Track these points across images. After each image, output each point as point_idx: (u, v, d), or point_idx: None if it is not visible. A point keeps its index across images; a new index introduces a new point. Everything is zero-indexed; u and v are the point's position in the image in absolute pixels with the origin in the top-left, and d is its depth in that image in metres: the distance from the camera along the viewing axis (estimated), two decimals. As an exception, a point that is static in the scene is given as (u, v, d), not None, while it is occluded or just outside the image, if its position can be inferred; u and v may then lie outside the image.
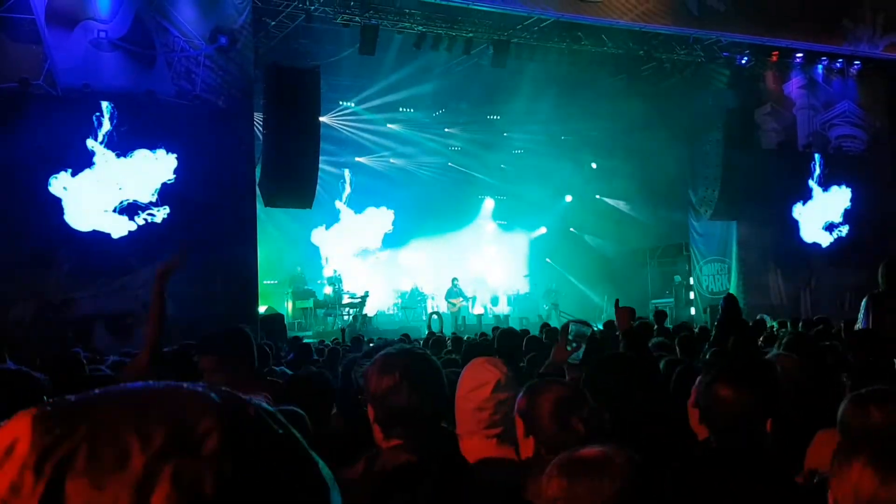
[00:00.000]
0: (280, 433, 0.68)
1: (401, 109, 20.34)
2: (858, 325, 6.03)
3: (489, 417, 2.51)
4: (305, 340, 14.67)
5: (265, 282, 17.77)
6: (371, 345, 8.99)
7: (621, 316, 4.91)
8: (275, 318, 14.80)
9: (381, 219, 22.08)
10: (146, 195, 13.11)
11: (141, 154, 13.08)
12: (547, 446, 2.25)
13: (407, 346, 2.58)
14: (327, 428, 3.55)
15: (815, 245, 19.14)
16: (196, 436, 0.64)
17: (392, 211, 22.09)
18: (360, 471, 2.15)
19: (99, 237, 12.82)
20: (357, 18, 14.98)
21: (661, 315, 10.67)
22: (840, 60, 19.35)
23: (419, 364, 2.23)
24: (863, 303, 5.97)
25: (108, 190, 12.83)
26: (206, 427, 0.64)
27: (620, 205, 22.61)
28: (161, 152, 13.15)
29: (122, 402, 0.66)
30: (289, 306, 18.95)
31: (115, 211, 12.92)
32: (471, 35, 16.05)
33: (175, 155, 13.18)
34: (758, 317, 11.95)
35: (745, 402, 2.33)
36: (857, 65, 19.50)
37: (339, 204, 21.72)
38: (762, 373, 2.48)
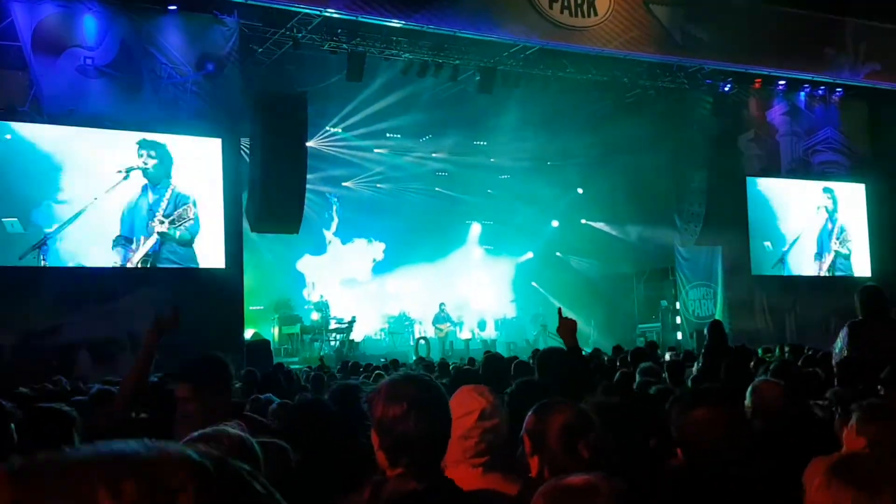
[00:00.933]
0: (260, 492, 0.69)
1: (388, 135, 20.43)
2: (836, 353, 6.01)
3: (475, 446, 2.51)
4: (293, 367, 14.65)
5: (251, 307, 17.71)
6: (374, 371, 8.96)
7: (565, 328, 4.52)
8: (261, 345, 14.74)
9: (370, 251, 22.22)
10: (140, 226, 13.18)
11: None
12: (552, 467, 2.26)
13: (413, 373, 2.58)
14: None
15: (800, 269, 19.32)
16: (169, 491, 0.64)
17: (383, 244, 22.23)
18: (365, 498, 2.15)
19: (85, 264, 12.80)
20: (344, 45, 15.09)
21: (652, 346, 10.72)
22: (822, 87, 19.62)
23: (427, 392, 2.22)
24: (842, 332, 5.98)
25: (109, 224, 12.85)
26: (179, 482, 0.64)
27: (606, 229, 22.70)
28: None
29: (93, 459, 0.67)
30: (275, 332, 18.87)
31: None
32: (457, 62, 16.18)
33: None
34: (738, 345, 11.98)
35: (720, 424, 2.35)
36: (839, 92, 19.77)
37: (327, 234, 21.77)
38: (736, 397, 2.51)
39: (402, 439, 2.14)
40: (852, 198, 20.12)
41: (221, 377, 3.44)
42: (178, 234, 13.35)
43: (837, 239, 19.68)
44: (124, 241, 12.98)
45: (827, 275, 19.44)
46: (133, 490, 0.63)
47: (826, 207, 19.66)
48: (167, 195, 13.37)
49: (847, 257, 19.73)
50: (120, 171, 13.02)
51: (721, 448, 2.33)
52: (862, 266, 19.91)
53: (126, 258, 12.98)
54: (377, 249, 22.55)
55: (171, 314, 3.85)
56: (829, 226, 19.65)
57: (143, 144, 13.24)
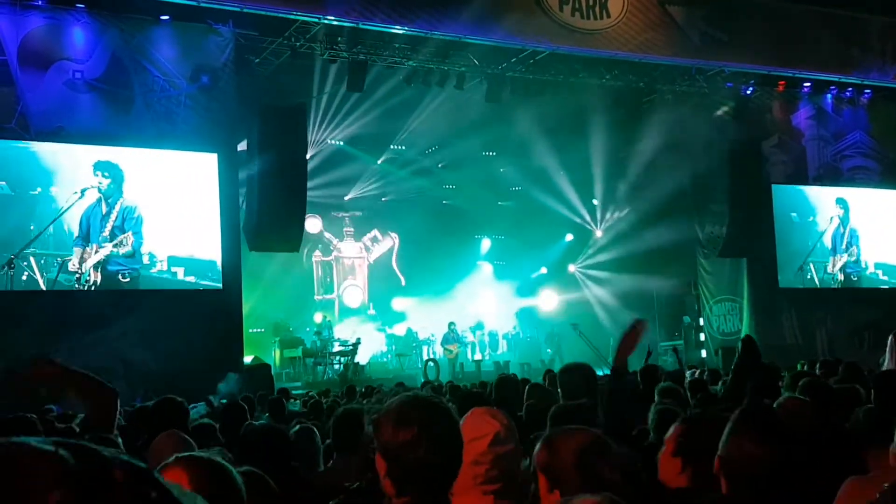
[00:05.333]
0: (151, 496, 0.65)
1: (392, 147, 20.49)
2: (886, 365, 6.00)
3: (486, 473, 2.47)
4: (295, 391, 14.61)
5: (251, 330, 17.71)
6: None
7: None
8: (261, 369, 14.71)
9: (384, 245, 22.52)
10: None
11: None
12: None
13: (423, 395, 2.55)
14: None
15: (831, 282, 19.22)
16: (34, 491, 0.59)
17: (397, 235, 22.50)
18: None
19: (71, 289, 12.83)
20: (344, 54, 15.16)
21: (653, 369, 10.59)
22: (850, 89, 19.57)
23: (439, 417, 2.18)
24: (889, 341, 5.96)
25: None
26: (56, 501, 0.60)
27: (625, 242, 22.62)
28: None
29: None
30: (276, 355, 18.85)
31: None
32: (463, 69, 16.22)
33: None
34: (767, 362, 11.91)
35: (769, 457, 2.33)
36: (867, 93, 19.73)
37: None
38: (782, 425, 2.47)
39: (411, 466, 2.10)
40: (883, 204, 20.01)
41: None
42: (121, 251, 13.41)
43: (848, 243, 19.54)
44: (82, 241, 13.06)
45: (840, 278, 19.29)
46: None
47: (839, 215, 19.55)
48: (116, 208, 13.41)
49: (857, 261, 19.56)
50: (76, 193, 13.09)
51: (771, 482, 2.31)
52: (893, 272, 19.80)
53: (83, 260, 13.01)
54: (372, 237, 22.65)
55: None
56: (842, 229, 19.51)
57: (97, 166, 13.33)
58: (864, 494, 2.82)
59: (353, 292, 22.46)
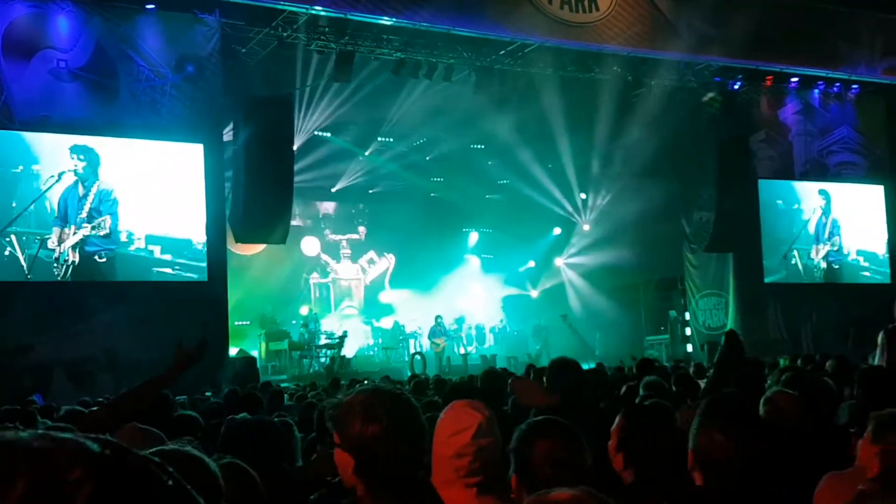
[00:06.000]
0: (168, 484, 0.67)
1: (379, 139, 20.47)
2: (878, 361, 6.05)
3: (468, 465, 2.47)
4: (282, 385, 14.61)
5: (236, 322, 17.68)
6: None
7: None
8: (246, 362, 14.70)
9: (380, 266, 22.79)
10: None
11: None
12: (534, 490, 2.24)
13: (386, 388, 2.55)
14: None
15: (814, 269, 19.34)
16: (67, 485, 0.62)
17: (373, 252, 22.59)
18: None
19: (57, 279, 12.77)
20: (332, 45, 15.12)
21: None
22: (837, 84, 19.63)
23: (405, 409, 2.18)
24: (879, 338, 5.98)
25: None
26: (77, 476, 0.62)
27: (611, 236, 22.68)
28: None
29: None
30: (262, 348, 18.82)
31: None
32: (452, 61, 16.21)
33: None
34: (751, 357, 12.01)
35: (741, 446, 2.33)
36: (855, 88, 19.80)
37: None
38: (752, 415, 2.49)
39: (380, 460, 2.11)
40: (865, 196, 20.13)
41: None
42: (101, 233, 13.33)
43: (830, 232, 19.65)
44: (61, 221, 12.99)
45: (823, 266, 19.42)
46: (25, 486, 0.61)
47: (821, 206, 19.64)
48: (93, 190, 13.31)
49: (839, 250, 19.68)
50: (52, 176, 13.01)
51: (745, 472, 2.31)
52: (879, 268, 19.94)
53: (61, 240, 12.96)
54: (368, 258, 22.79)
55: (197, 347, 3.72)
56: (824, 219, 19.61)
57: (73, 149, 13.22)
58: (843, 489, 2.86)
59: (351, 313, 22.57)
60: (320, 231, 22.77)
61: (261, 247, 19.61)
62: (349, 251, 22.94)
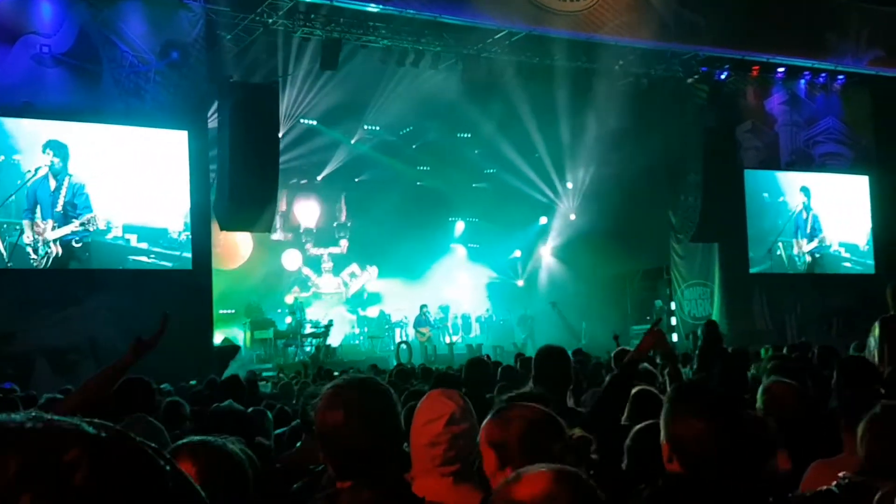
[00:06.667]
0: (166, 469, 0.68)
1: (365, 127, 20.42)
2: (870, 351, 6.01)
3: (443, 454, 2.46)
4: (265, 374, 14.60)
5: (221, 311, 17.63)
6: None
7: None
8: (230, 351, 14.68)
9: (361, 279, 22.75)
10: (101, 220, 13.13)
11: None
12: None
13: (358, 376, 2.54)
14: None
15: (800, 268, 19.46)
16: (62, 466, 0.62)
17: (360, 241, 22.42)
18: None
19: (40, 266, 12.69)
20: (318, 32, 15.04)
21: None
22: (823, 75, 19.70)
23: (370, 398, 2.15)
24: (875, 327, 5.93)
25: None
26: (72, 457, 0.62)
27: (598, 226, 22.71)
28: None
29: None
30: (246, 337, 18.78)
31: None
32: (439, 49, 16.16)
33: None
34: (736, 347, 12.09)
35: (716, 431, 2.33)
36: (840, 79, 19.87)
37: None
38: (722, 399, 2.47)
39: (345, 450, 2.10)
40: (855, 191, 20.26)
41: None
42: (90, 229, 13.26)
43: (812, 227, 19.77)
44: (31, 214, 12.86)
45: (808, 259, 19.55)
46: (17, 467, 0.61)
47: (802, 202, 19.75)
48: (65, 184, 13.19)
49: (821, 243, 19.80)
50: (29, 171, 12.90)
51: (722, 460, 2.30)
52: (862, 259, 20.07)
53: (35, 232, 12.85)
54: (350, 272, 22.84)
55: (157, 332, 3.89)
56: (805, 215, 19.73)
57: (47, 145, 13.07)
58: (828, 476, 2.89)
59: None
60: (301, 244, 22.64)
61: (241, 260, 19.65)
62: (331, 265, 22.78)
